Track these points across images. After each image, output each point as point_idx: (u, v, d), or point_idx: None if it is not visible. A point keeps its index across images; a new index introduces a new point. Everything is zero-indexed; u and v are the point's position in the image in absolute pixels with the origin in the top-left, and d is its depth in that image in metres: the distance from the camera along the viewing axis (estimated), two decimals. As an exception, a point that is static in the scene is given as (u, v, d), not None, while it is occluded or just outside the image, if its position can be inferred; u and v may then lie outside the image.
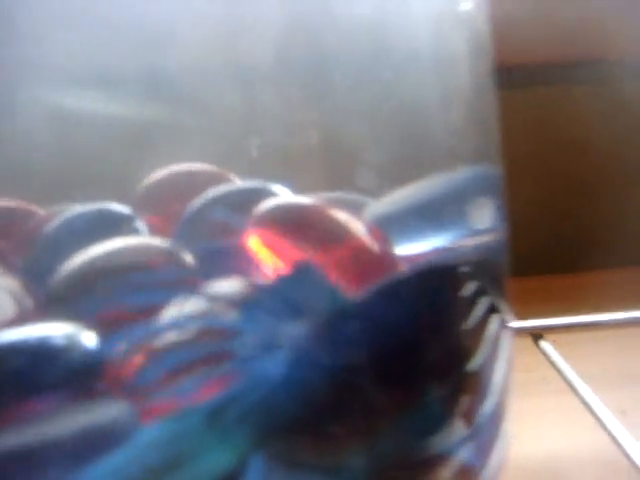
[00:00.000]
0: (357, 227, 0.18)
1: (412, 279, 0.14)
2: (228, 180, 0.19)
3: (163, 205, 0.20)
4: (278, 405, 0.12)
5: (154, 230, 0.19)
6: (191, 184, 0.19)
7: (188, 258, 0.17)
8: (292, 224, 0.17)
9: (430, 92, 0.16)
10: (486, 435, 0.15)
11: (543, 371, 0.29)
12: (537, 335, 0.32)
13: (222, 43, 0.16)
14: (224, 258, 0.17)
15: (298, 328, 0.13)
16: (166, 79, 0.18)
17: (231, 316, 0.13)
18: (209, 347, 0.12)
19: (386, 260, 0.18)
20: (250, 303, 0.13)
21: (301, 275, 0.14)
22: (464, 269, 0.15)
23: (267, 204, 0.17)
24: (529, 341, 0.31)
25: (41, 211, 0.19)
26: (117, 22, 0.18)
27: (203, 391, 0.12)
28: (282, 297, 0.13)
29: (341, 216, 0.18)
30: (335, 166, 0.18)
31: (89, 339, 0.14)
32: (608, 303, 0.33)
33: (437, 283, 0.14)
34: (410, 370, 0.13)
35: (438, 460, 0.13)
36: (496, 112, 0.17)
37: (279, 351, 0.12)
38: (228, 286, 0.14)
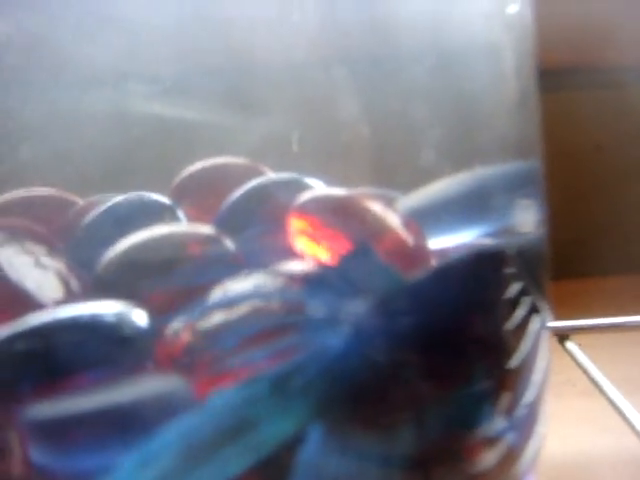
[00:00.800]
0: (393, 220, 0.18)
1: (466, 262, 0.15)
2: (262, 173, 0.19)
3: (198, 197, 0.20)
4: (337, 377, 0.13)
5: (191, 221, 0.19)
6: (226, 177, 0.20)
7: (230, 244, 0.17)
8: (332, 215, 0.17)
9: (480, 91, 0.16)
10: (526, 421, 0.15)
11: (568, 373, 0.29)
12: (563, 336, 0.33)
13: (271, 38, 0.17)
14: (264, 246, 0.18)
15: (358, 305, 0.13)
16: (211, 76, 0.18)
17: (297, 291, 0.14)
18: (275, 320, 0.13)
19: (419, 253, 0.18)
20: (314, 280, 0.14)
21: (360, 254, 0.14)
22: (512, 257, 0.16)
23: (306, 195, 0.18)
24: (554, 342, 0.31)
25: (80, 200, 0.20)
26: (161, 21, 0.18)
27: (269, 361, 0.13)
28: (343, 275, 0.14)
29: (377, 208, 0.18)
30: (371, 161, 0.18)
31: (140, 317, 0.14)
32: (628, 307, 0.34)
33: (490, 266, 0.15)
34: (459, 350, 0.14)
35: (482, 444, 0.14)
36: (539, 112, 0.18)
37: (340, 326, 0.13)
38: (291, 265, 0.15)
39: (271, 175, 0.19)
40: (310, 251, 0.17)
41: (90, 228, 0.18)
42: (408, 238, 0.18)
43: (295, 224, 0.17)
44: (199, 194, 0.20)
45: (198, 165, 0.20)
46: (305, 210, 0.18)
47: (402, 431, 0.13)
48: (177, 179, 0.20)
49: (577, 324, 0.33)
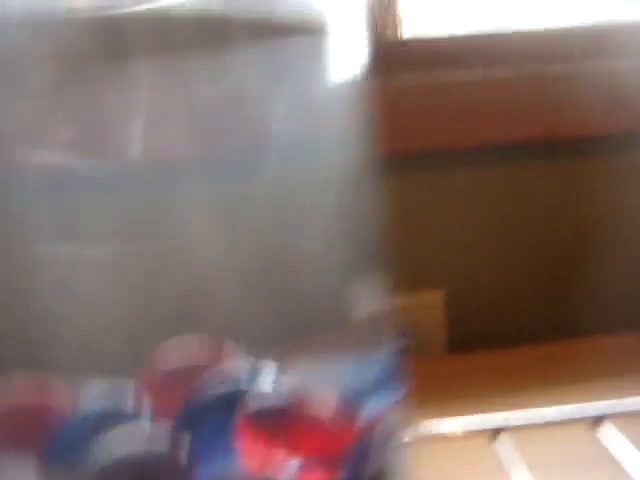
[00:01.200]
0: (328, 420, 0.21)
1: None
2: (227, 354, 0.22)
3: (165, 385, 0.23)
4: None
5: (157, 409, 0.22)
6: (191, 362, 0.22)
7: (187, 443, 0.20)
8: (272, 426, 0.21)
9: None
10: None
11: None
12: (495, 432, 0.34)
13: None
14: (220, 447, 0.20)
15: None
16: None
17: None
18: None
19: (348, 439, 0.21)
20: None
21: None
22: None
23: (252, 404, 0.21)
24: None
25: (57, 396, 0.22)
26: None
27: None
28: None
29: (315, 412, 0.21)
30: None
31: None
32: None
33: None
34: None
35: None
36: (381, 201, 0.21)
37: None
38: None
39: (232, 363, 0.22)
40: (254, 457, 0.20)
41: (64, 433, 0.21)
42: (341, 437, 0.21)
43: (243, 434, 0.20)
44: (165, 381, 0.23)
45: (164, 349, 0.22)
46: (250, 422, 0.20)
47: None
48: (144, 365, 0.22)
49: (505, 420, 0.33)
